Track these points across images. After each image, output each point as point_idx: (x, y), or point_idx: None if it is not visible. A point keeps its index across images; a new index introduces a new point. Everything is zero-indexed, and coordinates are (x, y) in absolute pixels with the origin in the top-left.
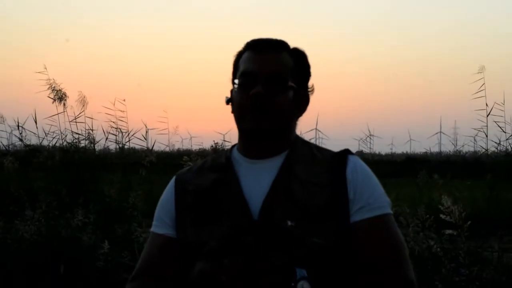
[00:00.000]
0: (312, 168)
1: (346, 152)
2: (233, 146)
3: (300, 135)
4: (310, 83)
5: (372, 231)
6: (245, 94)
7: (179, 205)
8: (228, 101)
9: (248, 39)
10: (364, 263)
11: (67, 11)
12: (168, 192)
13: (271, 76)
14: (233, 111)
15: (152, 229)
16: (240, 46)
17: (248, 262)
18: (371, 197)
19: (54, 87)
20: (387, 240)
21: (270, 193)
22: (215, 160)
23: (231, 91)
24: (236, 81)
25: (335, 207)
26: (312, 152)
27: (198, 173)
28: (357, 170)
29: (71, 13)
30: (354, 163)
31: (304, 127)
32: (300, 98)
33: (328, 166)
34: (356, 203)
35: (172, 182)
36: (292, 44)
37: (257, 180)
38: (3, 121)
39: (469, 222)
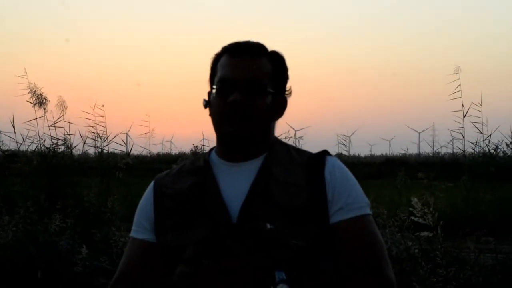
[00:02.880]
0: (291, 169)
1: (324, 153)
2: (211, 149)
3: (278, 137)
4: (287, 86)
5: (351, 231)
6: (223, 101)
7: (158, 209)
8: (206, 105)
9: (223, 40)
10: (344, 263)
11: (47, 15)
12: (147, 196)
13: (249, 83)
14: (211, 115)
15: (132, 234)
16: (214, 48)
17: (227, 264)
18: (349, 198)
19: (35, 91)
20: (366, 241)
21: (249, 196)
22: (193, 163)
23: (209, 94)
24: (214, 86)
25: (314, 209)
26: (290, 154)
27: (176, 176)
28: (335, 171)
29: (51, 17)
30: (333, 163)
31: (281, 129)
32: (278, 102)
33: (306, 167)
34: (335, 204)
35: (151, 186)
36: (269, 46)
37: (235, 183)
38: None
39: (441, 222)
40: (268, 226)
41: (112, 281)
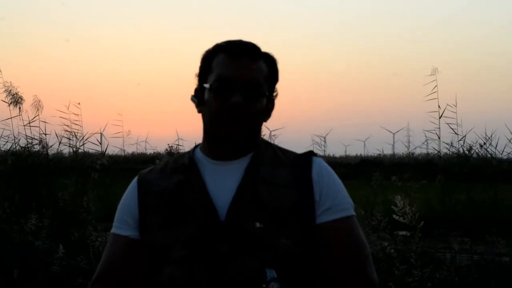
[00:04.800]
0: (277, 169)
1: (310, 154)
2: (195, 146)
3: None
4: (275, 87)
5: (336, 232)
6: (222, 102)
7: (142, 206)
8: (197, 103)
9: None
10: (328, 263)
11: (22, 13)
12: (131, 192)
13: (249, 85)
14: (200, 112)
15: (113, 230)
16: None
17: (218, 265)
18: (336, 199)
19: (10, 90)
20: (351, 242)
21: (237, 195)
22: (177, 161)
23: (197, 91)
24: (207, 85)
25: (302, 209)
26: (275, 154)
27: (161, 174)
28: (323, 172)
29: (27, 16)
30: (319, 164)
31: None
32: (269, 104)
33: (292, 167)
34: (322, 205)
35: (134, 182)
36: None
37: (223, 181)
38: None
39: (422, 223)
40: (257, 225)
41: (93, 278)
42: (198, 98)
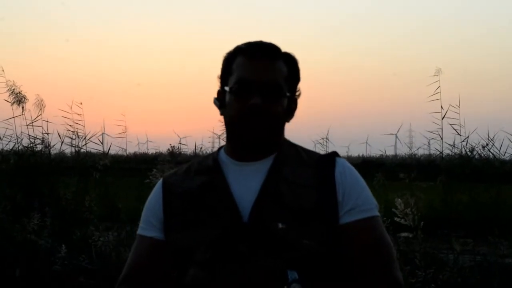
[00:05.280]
0: (300, 170)
1: (333, 154)
2: (219, 148)
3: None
4: (298, 87)
5: (360, 232)
6: (242, 104)
7: (167, 208)
8: (220, 105)
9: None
10: (353, 264)
11: (26, 12)
12: (156, 194)
13: (268, 86)
14: (223, 114)
15: (139, 231)
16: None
17: (240, 267)
18: (359, 199)
19: (13, 89)
20: (375, 242)
21: (260, 196)
22: (201, 163)
23: (220, 93)
24: (227, 88)
25: (324, 209)
26: (299, 154)
27: (185, 175)
28: (346, 172)
29: (29, 15)
30: (343, 165)
31: None
32: (291, 104)
33: (315, 168)
34: (345, 205)
35: (159, 184)
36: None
37: (246, 182)
38: None
39: (422, 223)
40: (280, 225)
41: (120, 279)
42: (220, 100)
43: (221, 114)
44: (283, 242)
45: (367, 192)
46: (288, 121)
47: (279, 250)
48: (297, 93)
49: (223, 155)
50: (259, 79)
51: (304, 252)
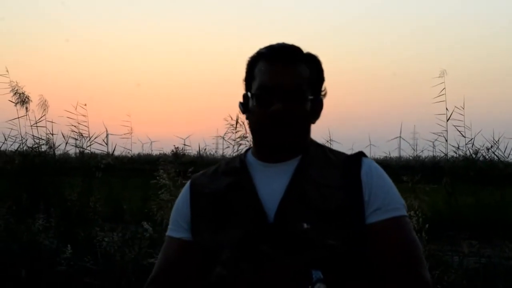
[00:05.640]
0: (326, 170)
1: (360, 154)
2: (247, 150)
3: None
4: (323, 87)
5: (388, 232)
6: (263, 110)
7: (194, 209)
8: (244, 110)
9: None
10: (380, 264)
11: (29, 12)
12: (184, 195)
13: (290, 91)
14: (247, 119)
15: (168, 233)
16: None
17: (265, 266)
18: (386, 199)
19: (17, 90)
20: (403, 241)
21: (286, 196)
22: (229, 164)
23: (244, 96)
24: (250, 94)
25: (350, 209)
26: (326, 155)
27: (212, 177)
28: (372, 172)
29: (33, 15)
30: (369, 165)
31: None
32: (316, 106)
33: (342, 169)
34: (371, 205)
35: (187, 185)
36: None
37: (271, 183)
38: None
39: (427, 225)
40: (305, 226)
41: (149, 279)
42: (244, 105)
43: (246, 118)
44: (308, 242)
45: (394, 192)
46: (313, 122)
47: (304, 250)
48: (322, 93)
49: (250, 157)
50: (280, 85)
51: (329, 252)
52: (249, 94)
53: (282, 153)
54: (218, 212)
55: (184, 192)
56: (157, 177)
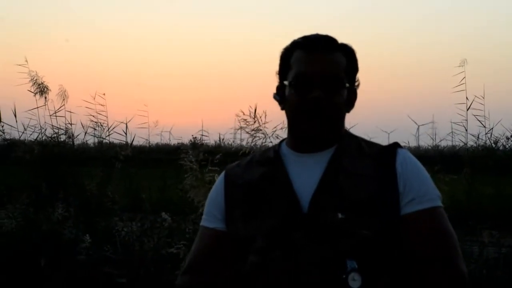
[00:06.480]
0: (361, 161)
1: (395, 145)
2: (281, 141)
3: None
4: (356, 77)
5: (423, 223)
6: (302, 98)
7: (228, 199)
8: (280, 101)
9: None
10: (416, 255)
11: (48, 3)
12: (218, 186)
13: (328, 78)
14: (284, 109)
15: (202, 223)
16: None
17: (298, 254)
18: (421, 190)
19: (36, 80)
20: (438, 232)
21: (320, 187)
22: (263, 155)
23: (279, 89)
24: (286, 82)
25: (385, 200)
26: (360, 146)
27: (246, 167)
28: (407, 163)
29: (52, 6)
30: (404, 155)
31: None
32: (351, 95)
33: (376, 159)
34: (406, 196)
35: (221, 176)
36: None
37: (305, 173)
38: None
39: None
40: (340, 216)
41: (184, 269)
42: (280, 95)
43: (282, 109)
44: (342, 233)
45: (429, 183)
46: (348, 111)
47: (338, 240)
48: (356, 84)
49: (284, 147)
50: (318, 72)
51: (363, 242)
52: (285, 83)
53: (317, 143)
54: (252, 202)
55: (219, 183)
56: (184, 159)
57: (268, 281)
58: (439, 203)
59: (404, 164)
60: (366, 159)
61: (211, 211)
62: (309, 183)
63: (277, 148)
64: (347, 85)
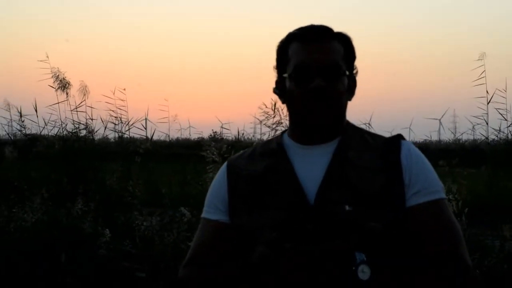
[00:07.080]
0: (365, 153)
1: (399, 137)
2: (283, 132)
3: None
4: (354, 65)
5: (428, 215)
6: (304, 88)
7: (232, 190)
8: (280, 94)
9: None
10: (421, 246)
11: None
12: (220, 177)
13: (327, 67)
14: (285, 102)
15: (204, 215)
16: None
17: (309, 247)
18: (426, 182)
19: (58, 75)
20: (443, 224)
21: (326, 179)
22: (265, 146)
23: (278, 83)
24: (286, 75)
25: (391, 192)
26: (364, 138)
27: (249, 159)
28: (412, 155)
29: (72, 1)
30: (408, 148)
31: None
32: (350, 83)
33: (381, 152)
34: (412, 188)
35: (224, 167)
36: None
37: (310, 166)
38: (9, 109)
39: (466, 209)
40: (347, 208)
41: (185, 261)
42: (280, 89)
43: (283, 102)
44: (350, 224)
45: (433, 175)
46: (350, 99)
47: (346, 232)
48: (354, 71)
49: (286, 139)
50: (317, 62)
51: (371, 235)
52: (285, 75)
53: (321, 134)
54: (256, 194)
55: (221, 174)
56: (207, 151)
57: (279, 272)
58: (443, 195)
59: (409, 157)
60: (370, 151)
61: (214, 202)
62: (314, 175)
63: (279, 139)
64: (347, 72)
